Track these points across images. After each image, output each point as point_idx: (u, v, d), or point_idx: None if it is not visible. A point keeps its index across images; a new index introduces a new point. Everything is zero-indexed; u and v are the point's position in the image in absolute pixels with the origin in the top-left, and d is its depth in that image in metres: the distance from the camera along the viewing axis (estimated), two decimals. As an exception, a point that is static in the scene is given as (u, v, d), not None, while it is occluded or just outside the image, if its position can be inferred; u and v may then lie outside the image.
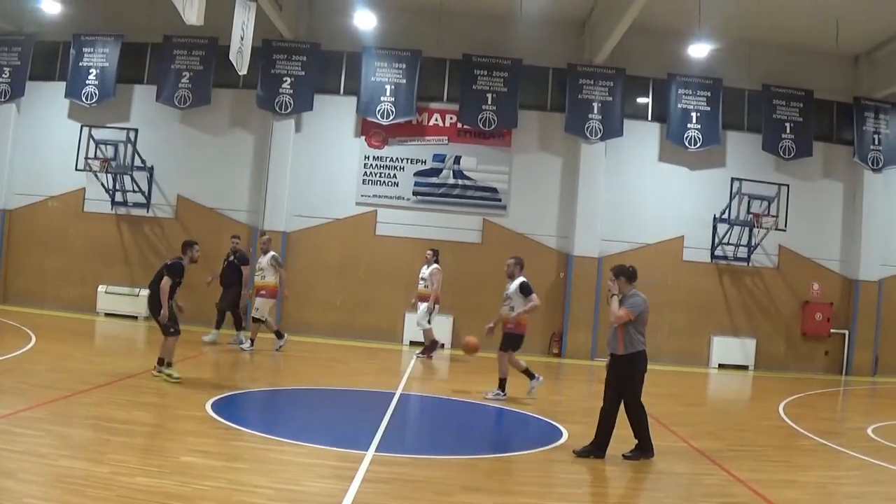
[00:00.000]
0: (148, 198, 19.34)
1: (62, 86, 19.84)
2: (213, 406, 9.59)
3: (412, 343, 18.06)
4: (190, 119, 19.61)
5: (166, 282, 11.18)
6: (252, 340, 15.36)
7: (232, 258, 15.72)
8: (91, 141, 18.91)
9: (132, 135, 19.03)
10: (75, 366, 11.97)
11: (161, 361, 11.38)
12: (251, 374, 13.60)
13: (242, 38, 15.19)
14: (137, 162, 19.09)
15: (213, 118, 19.59)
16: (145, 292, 18.36)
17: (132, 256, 19.45)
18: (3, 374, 10.75)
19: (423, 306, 16.07)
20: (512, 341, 11.91)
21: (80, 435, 7.91)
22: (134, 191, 19.30)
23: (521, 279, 11.97)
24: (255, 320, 15.34)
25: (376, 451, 8.05)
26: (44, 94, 20.08)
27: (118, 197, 19.41)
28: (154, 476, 6.59)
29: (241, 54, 15.25)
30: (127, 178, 19.23)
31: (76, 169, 18.95)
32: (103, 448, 7.31)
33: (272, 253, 15.62)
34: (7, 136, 19.96)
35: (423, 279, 16.27)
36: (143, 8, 19.23)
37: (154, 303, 11.38)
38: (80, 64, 19.60)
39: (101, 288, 19.08)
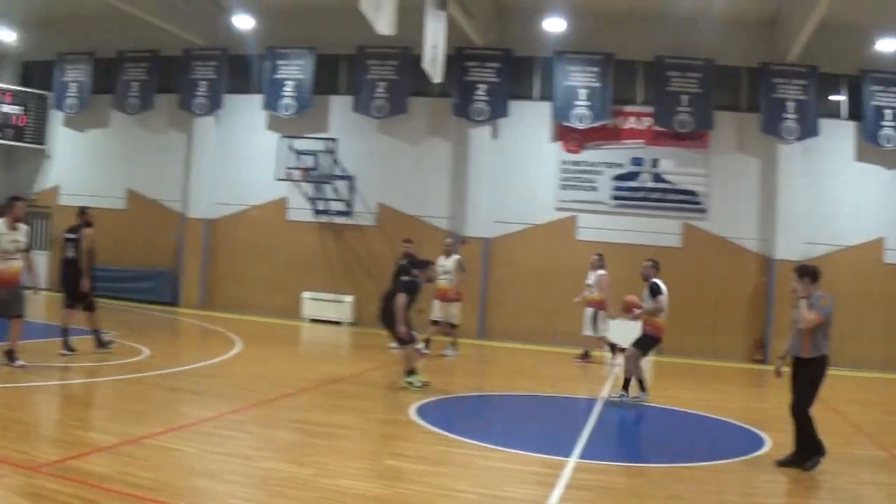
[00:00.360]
0: (350, 206, 20.04)
1: (258, 98, 20.66)
2: (418, 410, 9.82)
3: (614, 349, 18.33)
4: (387, 128, 20.20)
5: (402, 298, 11.50)
6: (453, 344, 15.68)
7: (403, 262, 15.65)
8: (291, 151, 19.57)
9: (332, 144, 19.65)
10: (280, 370, 12.62)
11: (410, 372, 11.67)
12: (453, 379, 13.88)
13: (435, 47, 15.57)
14: (338, 171, 19.70)
15: (410, 127, 20.16)
16: (349, 298, 19.37)
17: (335, 264, 20.14)
18: (210, 378, 11.40)
19: (589, 311, 16.24)
20: (645, 343, 11.84)
21: (283, 438, 8.27)
22: (336, 199, 19.95)
23: (653, 280, 11.95)
24: (452, 325, 15.68)
25: (579, 457, 8.10)
26: (241, 107, 21.03)
27: (320, 205, 20.11)
28: (357, 479, 6.82)
29: (434, 63, 15.64)
30: (328, 187, 19.89)
31: (277, 179, 19.62)
32: (307, 451, 7.60)
33: (457, 256, 15.91)
34: (207, 148, 21.02)
35: (589, 285, 16.30)
36: (334, 20, 19.76)
37: (389, 317, 11.65)
38: (276, 76, 20.38)
39: (305, 294, 19.77)
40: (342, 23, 19.01)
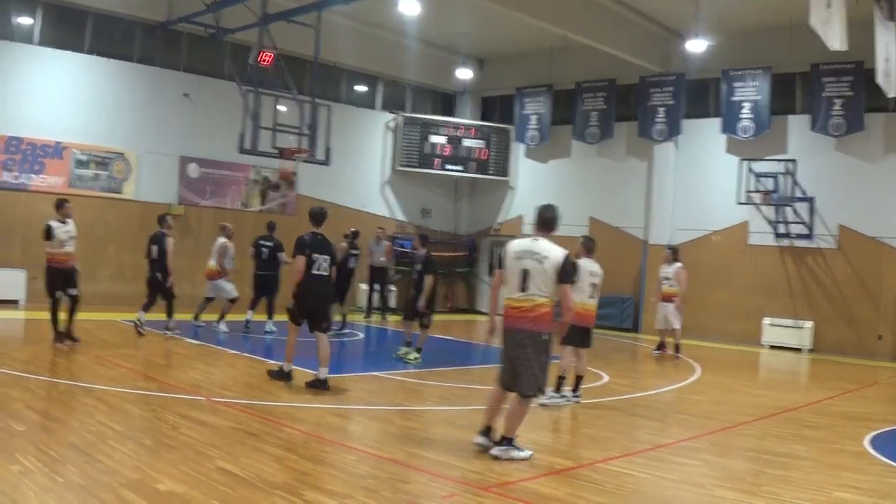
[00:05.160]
0: (810, 229, 21.97)
1: (716, 122, 23.57)
2: (872, 441, 10.22)
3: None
4: (845, 146, 21.82)
5: None
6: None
7: None
8: (751, 174, 21.85)
9: (790, 166, 21.70)
10: (738, 397, 13.78)
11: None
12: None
13: (887, 60, 16.56)
14: (797, 193, 21.75)
15: (868, 144, 21.53)
16: (808, 324, 21.18)
17: (795, 288, 22.20)
18: (668, 404, 12.79)
19: (670, 306, 18.54)
20: None
21: (737, 466, 8.89)
22: (796, 222, 22.07)
23: None
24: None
25: None
26: (699, 131, 24.12)
27: (780, 229, 22.35)
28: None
29: (887, 76, 16.66)
30: (788, 210, 22.01)
31: (738, 203, 22.01)
32: (759, 480, 8.11)
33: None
34: (668, 173, 24.33)
35: (666, 278, 18.71)
36: (785, 38, 21.78)
37: None
38: (733, 99, 23.08)
39: (765, 320, 21.94)
40: (794, 41, 21.16)
